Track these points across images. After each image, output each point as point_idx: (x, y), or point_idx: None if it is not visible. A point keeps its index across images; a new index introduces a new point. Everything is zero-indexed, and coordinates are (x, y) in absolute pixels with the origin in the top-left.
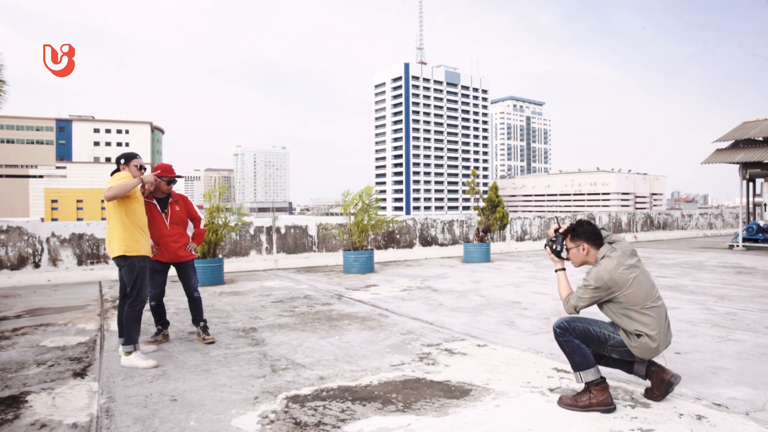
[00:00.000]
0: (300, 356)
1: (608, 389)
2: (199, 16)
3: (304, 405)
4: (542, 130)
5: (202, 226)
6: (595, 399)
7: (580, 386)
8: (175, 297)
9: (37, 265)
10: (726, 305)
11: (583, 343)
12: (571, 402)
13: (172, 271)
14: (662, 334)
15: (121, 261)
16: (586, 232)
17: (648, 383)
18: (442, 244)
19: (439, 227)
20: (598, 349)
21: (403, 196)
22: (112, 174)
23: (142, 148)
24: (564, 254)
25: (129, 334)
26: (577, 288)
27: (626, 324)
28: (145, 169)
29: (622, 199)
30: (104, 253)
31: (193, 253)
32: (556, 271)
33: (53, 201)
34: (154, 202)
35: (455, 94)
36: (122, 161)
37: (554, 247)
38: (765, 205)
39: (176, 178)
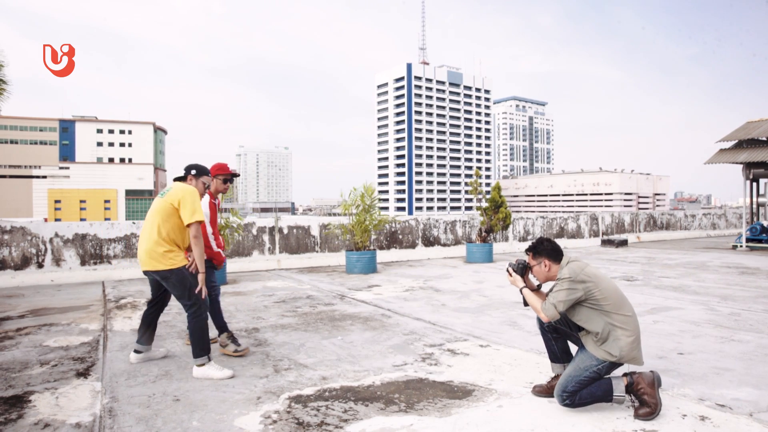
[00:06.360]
0: (302, 356)
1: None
2: (201, 17)
3: (307, 405)
4: (545, 130)
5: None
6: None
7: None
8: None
9: (40, 266)
10: (729, 306)
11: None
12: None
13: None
14: (637, 340)
15: (167, 273)
16: (546, 249)
17: (635, 403)
18: (444, 245)
19: (441, 227)
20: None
21: (405, 196)
22: (175, 179)
23: (145, 149)
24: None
25: (200, 345)
26: (549, 294)
27: (602, 322)
28: (209, 187)
29: (625, 200)
30: (107, 253)
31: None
32: (521, 290)
33: (56, 201)
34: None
35: (458, 94)
36: (193, 172)
37: (516, 267)
38: None
39: (234, 177)
